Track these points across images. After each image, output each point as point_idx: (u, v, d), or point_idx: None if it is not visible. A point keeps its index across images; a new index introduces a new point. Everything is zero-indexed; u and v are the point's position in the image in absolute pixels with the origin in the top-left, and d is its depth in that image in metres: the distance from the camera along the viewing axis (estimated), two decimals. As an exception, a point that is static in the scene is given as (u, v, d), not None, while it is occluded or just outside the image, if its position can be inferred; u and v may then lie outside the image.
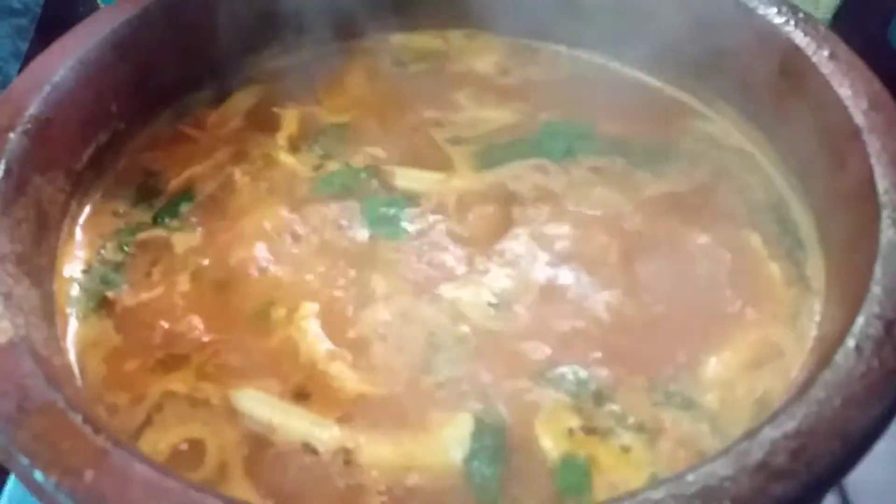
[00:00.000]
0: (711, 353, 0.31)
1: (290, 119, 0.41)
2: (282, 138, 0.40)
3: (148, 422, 0.30)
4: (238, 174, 0.38)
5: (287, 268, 0.34)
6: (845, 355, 0.25)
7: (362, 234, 0.36)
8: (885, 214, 0.28)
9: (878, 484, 0.40)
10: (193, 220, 0.37)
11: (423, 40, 0.45)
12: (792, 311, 0.32)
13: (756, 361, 0.30)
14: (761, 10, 0.37)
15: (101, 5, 0.53)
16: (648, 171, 0.38)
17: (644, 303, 0.32)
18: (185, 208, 0.37)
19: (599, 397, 0.30)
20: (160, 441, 0.29)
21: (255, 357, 0.32)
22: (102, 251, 0.36)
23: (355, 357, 0.31)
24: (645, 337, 0.31)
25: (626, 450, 0.28)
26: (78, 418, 0.25)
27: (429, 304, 0.33)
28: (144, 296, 0.34)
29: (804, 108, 0.35)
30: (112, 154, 0.38)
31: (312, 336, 0.32)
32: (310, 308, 0.33)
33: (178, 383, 0.31)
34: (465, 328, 0.32)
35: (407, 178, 0.38)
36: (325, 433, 0.29)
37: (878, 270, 0.27)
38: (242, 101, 0.42)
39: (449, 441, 0.29)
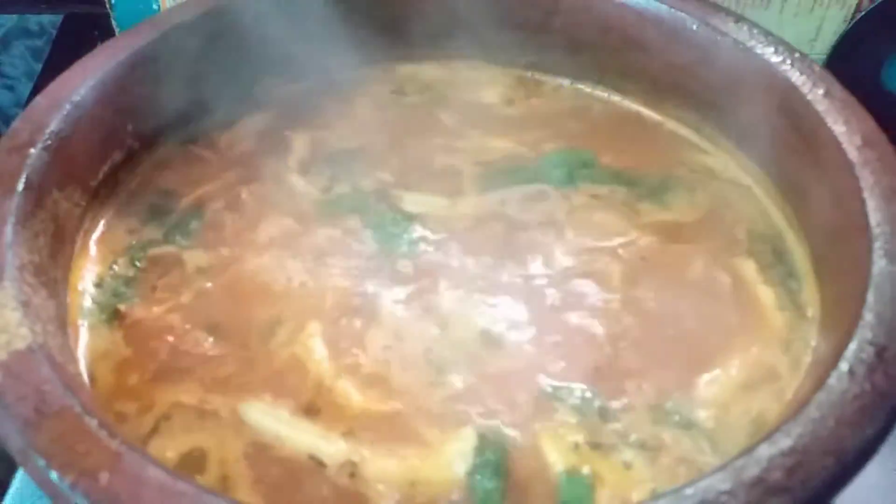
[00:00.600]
0: (707, 375, 0.32)
1: (300, 142, 0.42)
2: (292, 161, 0.41)
3: (156, 430, 0.31)
4: (247, 194, 0.39)
5: (294, 286, 0.35)
6: (839, 378, 0.26)
7: (369, 254, 0.36)
8: (877, 246, 0.29)
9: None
10: (203, 237, 0.38)
11: (430, 71, 0.46)
12: (785, 337, 0.33)
13: (751, 383, 0.31)
14: (759, 50, 0.38)
15: (116, 27, 0.55)
16: (648, 200, 0.39)
17: (645, 324, 0.33)
18: (195, 226, 0.38)
19: (604, 414, 0.31)
20: (167, 449, 0.30)
21: (261, 373, 0.32)
22: (115, 266, 0.36)
23: (360, 375, 0.32)
24: (647, 357, 0.32)
25: (628, 466, 0.29)
26: (93, 423, 0.25)
27: (434, 323, 0.34)
28: (154, 310, 0.35)
29: (800, 144, 0.36)
30: (126, 172, 0.39)
31: (318, 354, 0.33)
32: (315, 326, 0.34)
33: (186, 395, 0.32)
34: (470, 347, 0.33)
35: (414, 202, 0.39)
36: (331, 446, 0.30)
37: (871, 298, 0.28)
38: (253, 124, 0.43)
39: (452, 455, 0.29)
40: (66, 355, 0.29)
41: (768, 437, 0.24)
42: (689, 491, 0.23)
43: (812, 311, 0.34)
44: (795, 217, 0.37)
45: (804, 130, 0.35)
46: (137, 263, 0.36)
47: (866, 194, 0.31)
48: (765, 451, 0.24)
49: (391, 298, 0.34)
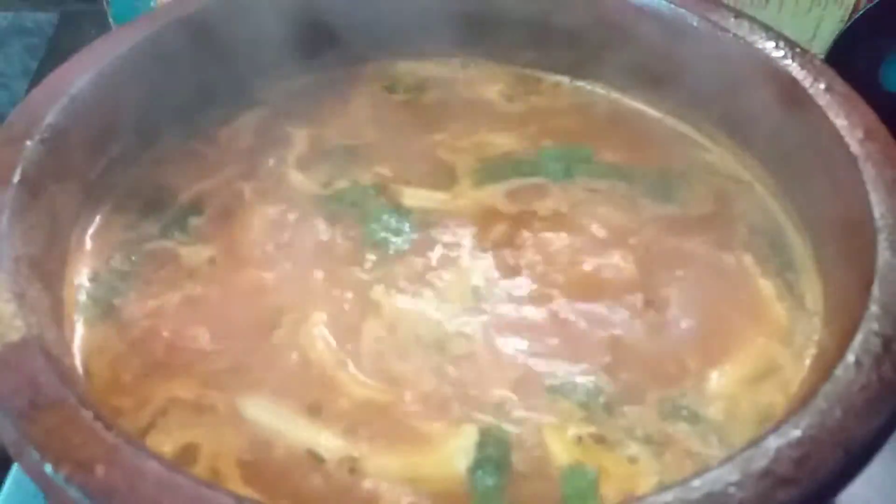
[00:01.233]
0: (714, 368, 0.31)
1: (299, 138, 0.41)
2: (291, 156, 0.41)
3: (152, 425, 0.30)
4: (247, 189, 0.39)
5: (294, 279, 0.35)
6: (845, 369, 0.25)
7: (369, 247, 0.36)
8: (882, 238, 0.29)
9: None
10: (201, 233, 0.37)
11: (430, 68, 0.46)
12: (787, 330, 0.33)
13: (757, 376, 0.31)
14: (760, 45, 0.38)
15: (113, 25, 0.54)
16: (647, 195, 0.39)
17: (652, 318, 0.33)
18: (193, 222, 0.38)
19: (609, 409, 0.30)
20: (164, 444, 0.30)
21: (259, 367, 0.32)
22: (111, 260, 0.36)
23: (362, 367, 0.32)
24: (653, 351, 0.32)
25: (633, 460, 0.29)
26: (89, 415, 0.25)
27: (437, 315, 0.33)
28: (150, 305, 0.34)
29: (801, 139, 0.36)
30: (124, 166, 0.39)
31: (318, 348, 0.33)
32: (318, 318, 0.33)
33: (182, 390, 0.31)
34: (473, 339, 0.32)
35: (414, 196, 0.38)
36: (330, 442, 0.29)
37: (876, 290, 0.27)
38: (253, 120, 0.43)
39: (453, 451, 0.29)
40: (61, 348, 0.29)
41: (776, 428, 0.24)
42: (696, 483, 0.23)
43: (812, 304, 0.33)
44: (796, 211, 0.37)
45: (805, 125, 0.35)
46: (134, 259, 0.36)
47: (869, 187, 0.31)
48: (773, 442, 0.23)
49: (392, 291, 0.34)
